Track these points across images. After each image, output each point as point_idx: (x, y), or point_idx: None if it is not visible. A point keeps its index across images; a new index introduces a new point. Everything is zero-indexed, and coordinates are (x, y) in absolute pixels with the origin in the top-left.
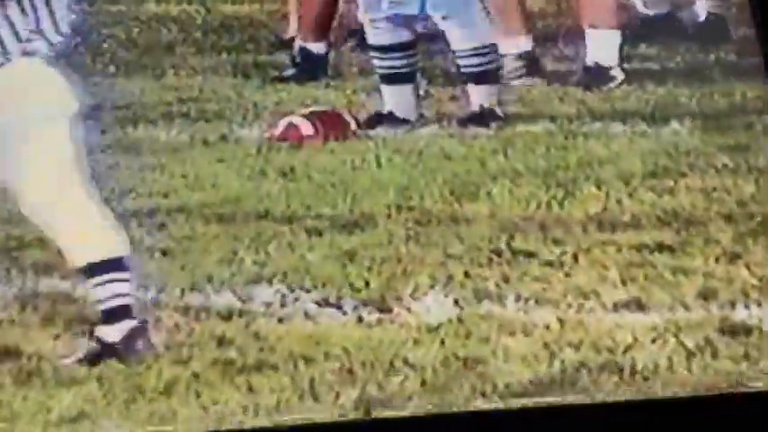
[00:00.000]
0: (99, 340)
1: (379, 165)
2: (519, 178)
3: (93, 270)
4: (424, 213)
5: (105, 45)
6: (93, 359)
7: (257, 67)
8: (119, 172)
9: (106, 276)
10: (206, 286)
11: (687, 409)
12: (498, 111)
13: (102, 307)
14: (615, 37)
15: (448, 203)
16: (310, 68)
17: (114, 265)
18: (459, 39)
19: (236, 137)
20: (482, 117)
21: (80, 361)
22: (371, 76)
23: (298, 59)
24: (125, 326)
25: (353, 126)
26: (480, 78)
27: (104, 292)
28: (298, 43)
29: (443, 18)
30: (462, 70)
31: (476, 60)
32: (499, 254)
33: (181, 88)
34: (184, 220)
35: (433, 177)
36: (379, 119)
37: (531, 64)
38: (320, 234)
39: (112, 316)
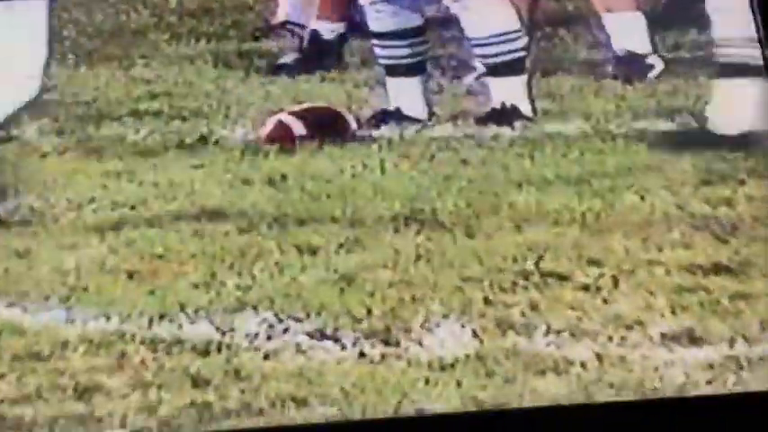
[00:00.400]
0: None
1: (383, 171)
2: (548, 187)
3: None
4: (437, 228)
5: (65, 32)
6: None
7: (241, 57)
8: (78, 179)
9: None
10: (179, 315)
11: (687, 410)
12: (524, 108)
13: None
14: (638, 20)
15: (465, 217)
16: (318, 56)
17: None
18: (475, 25)
19: (216, 138)
20: (503, 115)
21: None
22: (375, 68)
23: (305, 45)
24: None
25: (354, 126)
26: (500, 70)
27: None
28: (311, 24)
29: (456, 0)
30: (480, 61)
31: (494, 49)
32: (526, 276)
33: (152, 81)
34: (155, 235)
35: (447, 186)
36: (383, 118)
37: None
38: (314, 252)
39: None
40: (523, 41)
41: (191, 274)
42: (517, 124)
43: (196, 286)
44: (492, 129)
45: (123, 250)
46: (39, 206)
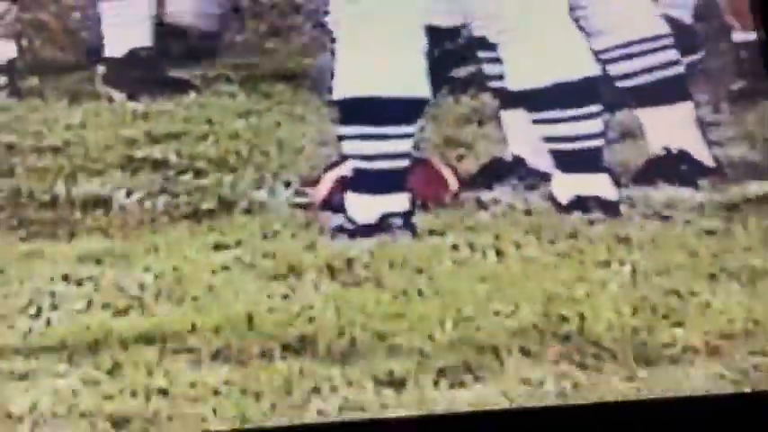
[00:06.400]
0: None
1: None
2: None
3: None
4: (587, 351)
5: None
6: None
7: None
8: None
9: None
10: None
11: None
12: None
13: None
14: None
15: (630, 334)
16: None
17: None
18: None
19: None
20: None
21: None
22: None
23: None
24: None
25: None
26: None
27: None
28: None
29: None
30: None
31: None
32: None
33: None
34: (154, 359)
35: (601, 282)
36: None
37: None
38: (400, 386)
39: None
40: None
41: (210, 420)
42: (703, 182)
43: None
44: (664, 189)
45: (106, 383)
46: None
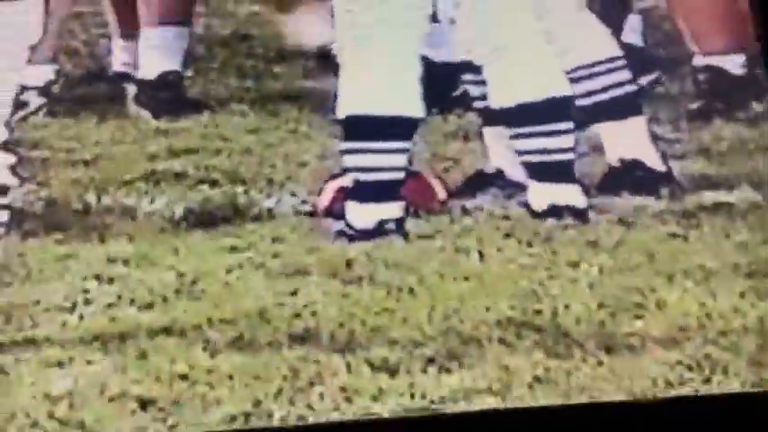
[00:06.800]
0: None
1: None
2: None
3: None
4: (558, 341)
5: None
6: None
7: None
8: (70, 269)
9: None
10: None
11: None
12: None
13: None
14: None
15: (597, 325)
16: None
17: None
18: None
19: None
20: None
21: None
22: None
23: None
24: None
25: (442, 194)
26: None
27: None
28: None
29: None
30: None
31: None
32: None
33: (172, 133)
34: (176, 348)
35: (572, 279)
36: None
37: None
38: (394, 373)
39: None
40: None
41: (225, 401)
42: (663, 191)
43: (233, 419)
44: (627, 198)
45: (133, 369)
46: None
